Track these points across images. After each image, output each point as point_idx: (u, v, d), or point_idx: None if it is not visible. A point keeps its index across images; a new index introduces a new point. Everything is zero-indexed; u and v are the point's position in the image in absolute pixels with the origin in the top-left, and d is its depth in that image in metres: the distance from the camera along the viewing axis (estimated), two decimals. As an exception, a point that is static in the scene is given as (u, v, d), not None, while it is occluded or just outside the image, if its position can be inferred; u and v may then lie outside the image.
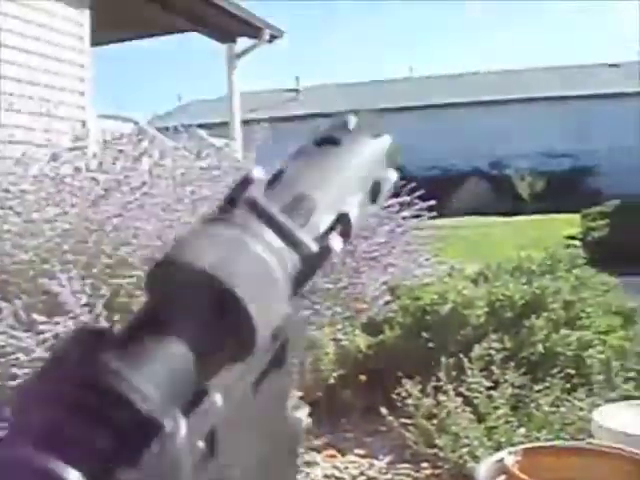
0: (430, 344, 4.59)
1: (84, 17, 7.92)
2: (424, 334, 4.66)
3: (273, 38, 11.33)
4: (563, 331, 4.43)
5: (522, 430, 3.73)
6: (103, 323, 3.82)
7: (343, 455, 4.19)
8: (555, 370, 4.08)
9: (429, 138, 26.42)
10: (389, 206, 6.82)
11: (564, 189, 22.87)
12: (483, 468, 2.62)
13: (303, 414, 0.70)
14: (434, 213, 7.18)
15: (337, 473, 3.99)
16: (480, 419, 3.80)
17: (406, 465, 3.96)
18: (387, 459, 4.10)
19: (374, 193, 0.66)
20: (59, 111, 6.15)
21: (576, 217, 15.90)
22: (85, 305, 3.83)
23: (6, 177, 4.62)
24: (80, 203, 4.42)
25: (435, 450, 3.77)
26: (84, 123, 7.10)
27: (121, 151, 5.03)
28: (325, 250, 0.56)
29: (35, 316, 3.71)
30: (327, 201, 0.60)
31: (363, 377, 4.72)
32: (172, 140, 6.76)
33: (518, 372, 4.05)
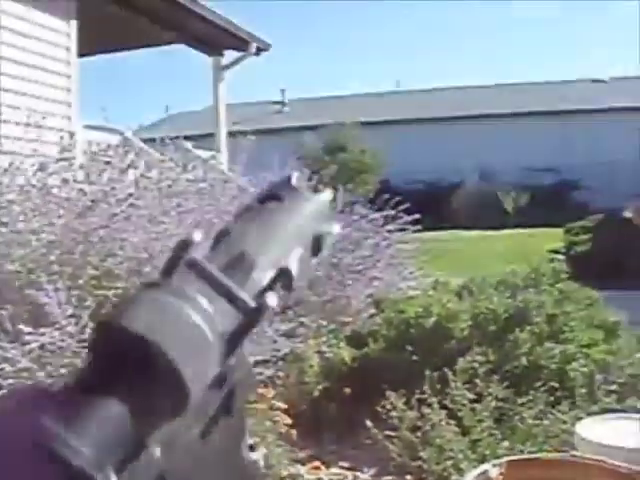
0: (414, 357, 4.62)
1: (71, 28, 7.92)
2: (408, 347, 4.69)
3: (260, 51, 11.35)
4: (547, 344, 4.46)
5: (506, 443, 3.76)
6: (89, 334, 3.82)
7: (327, 467, 4.20)
8: (538, 383, 4.11)
9: (414, 152, 26.49)
10: (374, 219, 6.87)
11: (548, 203, 22.96)
12: (467, 480, 2.64)
13: (259, 456, 0.73)
14: (419, 227, 7.23)
15: (321, 485, 3.99)
16: (464, 432, 3.82)
17: (390, 477, 3.98)
18: (372, 471, 4.11)
19: (315, 247, 0.69)
20: (46, 122, 6.14)
21: (560, 231, 15.97)
22: (71, 316, 3.83)
23: (-8, 187, 4.62)
24: (67, 214, 4.42)
25: (419, 463, 3.79)
26: (71, 134, 7.09)
27: (108, 162, 5.03)
28: (262, 307, 0.59)
29: (21, 326, 3.70)
30: (268, 258, 0.63)
31: (348, 390, 4.73)
32: (159, 151, 6.77)
33: (502, 385, 4.07)
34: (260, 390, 4.10)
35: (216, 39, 10.75)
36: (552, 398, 4.07)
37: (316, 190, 0.75)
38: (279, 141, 15.84)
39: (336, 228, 0.71)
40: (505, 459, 2.85)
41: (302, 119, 27.98)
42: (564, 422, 3.80)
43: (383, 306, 5.39)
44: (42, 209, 4.45)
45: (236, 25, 10.62)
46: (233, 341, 0.57)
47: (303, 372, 4.81)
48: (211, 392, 0.57)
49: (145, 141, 8.28)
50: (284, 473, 3.86)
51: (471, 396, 4.00)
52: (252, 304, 0.59)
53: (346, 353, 4.97)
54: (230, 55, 11.39)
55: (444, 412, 3.89)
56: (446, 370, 4.15)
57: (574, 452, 3.04)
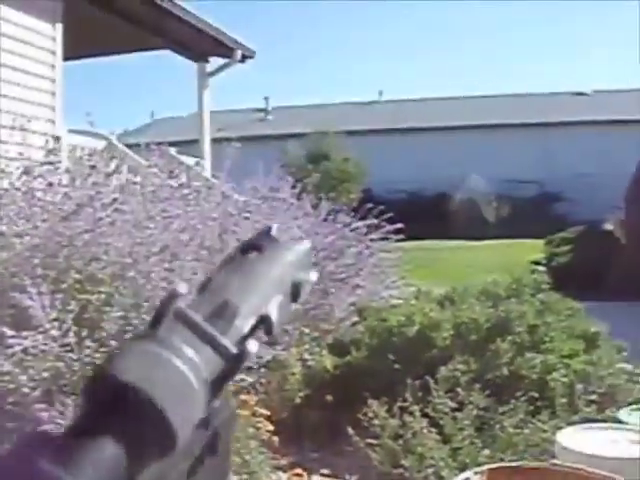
0: (396, 365, 4.64)
1: (57, 31, 7.91)
2: (390, 355, 4.71)
3: (245, 58, 11.37)
4: (528, 354, 4.49)
5: (487, 451, 3.78)
6: (72, 338, 3.82)
7: (309, 474, 4.20)
8: (519, 393, 4.14)
9: (396, 161, 26.58)
10: (357, 228, 6.90)
11: (530, 215, 23.11)
12: (449, 487, 2.66)
13: None
14: (401, 236, 7.26)
15: (303, 492, 4.00)
16: (445, 440, 3.84)
17: (371, 485, 3.99)
18: (353, 479, 4.12)
19: (294, 294, 0.73)
20: (30, 125, 6.12)
21: (540, 242, 16.08)
22: (54, 320, 3.82)
23: (-24, 190, 4.60)
24: (51, 218, 4.41)
25: (401, 470, 3.80)
26: (57, 138, 7.07)
27: (93, 167, 5.03)
28: (244, 353, 0.63)
29: (4, 329, 3.69)
30: (249, 305, 0.67)
31: (330, 397, 4.74)
32: (143, 157, 6.76)
33: (483, 394, 4.10)
34: (242, 397, 4.10)
35: (201, 45, 10.76)
36: (533, 407, 4.10)
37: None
38: (262, 149, 15.84)
39: (314, 276, 0.76)
40: (486, 467, 2.88)
41: (285, 127, 28.03)
42: (544, 431, 3.83)
43: (366, 314, 5.41)
44: (27, 212, 4.45)
45: (222, 32, 10.63)
46: (217, 386, 0.62)
47: (285, 379, 4.82)
48: (197, 433, 0.61)
49: (130, 146, 8.27)
50: (265, 480, 3.87)
51: (452, 405, 4.02)
52: (234, 351, 0.63)
53: (328, 361, 4.98)
54: (215, 62, 11.41)
55: (426, 420, 3.91)
56: (428, 378, 4.18)
57: (554, 461, 3.06)
